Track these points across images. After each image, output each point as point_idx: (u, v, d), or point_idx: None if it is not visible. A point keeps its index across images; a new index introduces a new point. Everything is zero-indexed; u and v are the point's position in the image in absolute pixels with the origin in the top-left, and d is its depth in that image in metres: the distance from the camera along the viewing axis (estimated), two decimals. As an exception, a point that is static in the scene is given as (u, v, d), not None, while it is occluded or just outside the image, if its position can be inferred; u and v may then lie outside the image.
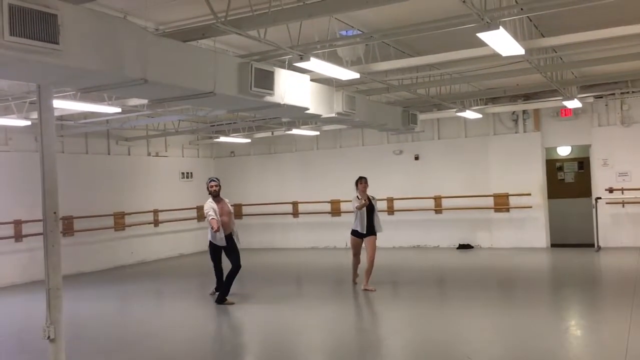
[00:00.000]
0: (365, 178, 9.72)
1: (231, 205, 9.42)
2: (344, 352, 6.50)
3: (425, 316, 7.88)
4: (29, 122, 10.62)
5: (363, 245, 9.73)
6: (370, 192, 9.74)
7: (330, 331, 7.51)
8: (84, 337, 7.51)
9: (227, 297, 9.15)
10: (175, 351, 6.74)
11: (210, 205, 8.96)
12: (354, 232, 9.70)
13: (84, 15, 4.96)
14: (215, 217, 8.76)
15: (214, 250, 9.25)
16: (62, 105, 9.32)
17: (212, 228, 8.78)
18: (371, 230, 9.62)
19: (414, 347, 6.53)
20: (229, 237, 9.07)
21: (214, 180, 9.25)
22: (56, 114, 10.11)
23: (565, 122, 13.92)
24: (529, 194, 13.95)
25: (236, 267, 9.00)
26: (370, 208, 9.60)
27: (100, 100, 10.07)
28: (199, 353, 6.67)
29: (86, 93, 8.12)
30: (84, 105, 9.67)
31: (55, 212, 5.63)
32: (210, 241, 9.20)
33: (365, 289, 9.55)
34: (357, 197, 9.63)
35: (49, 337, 5.52)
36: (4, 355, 7.00)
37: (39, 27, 4.39)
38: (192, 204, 16.29)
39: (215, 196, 9.13)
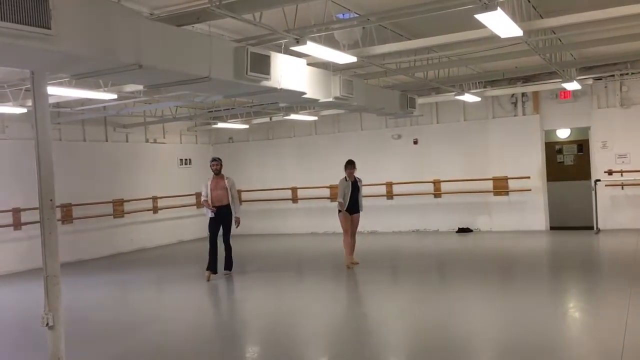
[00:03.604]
0: (353, 162, 10.31)
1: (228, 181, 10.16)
2: (343, 335, 6.51)
3: (424, 300, 7.89)
4: (25, 110, 10.55)
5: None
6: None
7: (331, 315, 7.52)
8: (84, 324, 7.52)
9: (228, 271, 10.18)
10: (176, 337, 6.75)
11: (204, 183, 10.16)
12: (342, 211, 10.24)
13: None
14: (206, 199, 9.95)
15: (210, 223, 10.06)
16: (58, 92, 9.24)
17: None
18: (356, 209, 10.26)
19: (413, 330, 6.55)
20: (225, 209, 9.95)
21: (214, 160, 10.28)
22: (53, 101, 10.12)
23: (564, 104, 13.86)
24: (528, 177, 13.92)
25: (226, 246, 10.10)
26: (355, 189, 10.20)
27: (96, 86, 10.00)
28: (200, 338, 6.68)
29: (82, 79, 8.03)
30: (80, 92, 9.60)
31: (51, 200, 5.59)
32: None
33: (353, 263, 10.28)
34: (345, 179, 10.23)
35: (47, 324, 5.51)
36: (3, 344, 7.01)
37: (30, 11, 4.29)
38: (191, 190, 16.25)
39: (217, 174, 10.09)
